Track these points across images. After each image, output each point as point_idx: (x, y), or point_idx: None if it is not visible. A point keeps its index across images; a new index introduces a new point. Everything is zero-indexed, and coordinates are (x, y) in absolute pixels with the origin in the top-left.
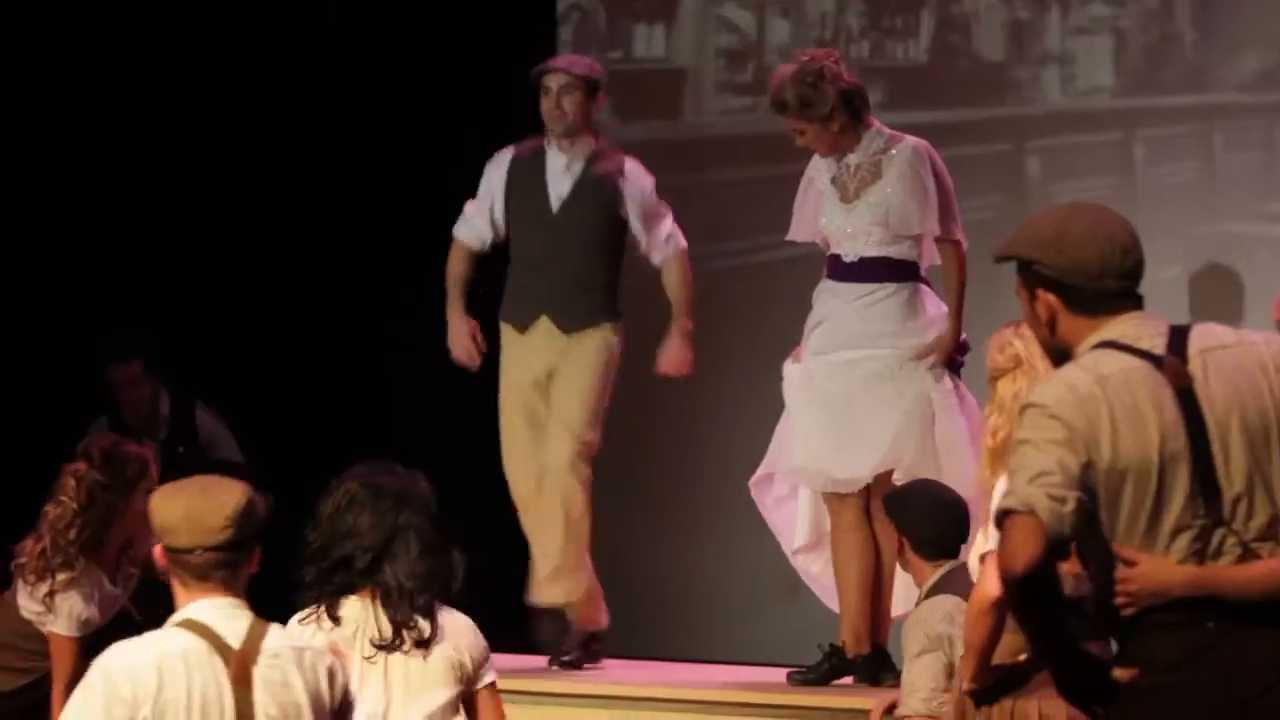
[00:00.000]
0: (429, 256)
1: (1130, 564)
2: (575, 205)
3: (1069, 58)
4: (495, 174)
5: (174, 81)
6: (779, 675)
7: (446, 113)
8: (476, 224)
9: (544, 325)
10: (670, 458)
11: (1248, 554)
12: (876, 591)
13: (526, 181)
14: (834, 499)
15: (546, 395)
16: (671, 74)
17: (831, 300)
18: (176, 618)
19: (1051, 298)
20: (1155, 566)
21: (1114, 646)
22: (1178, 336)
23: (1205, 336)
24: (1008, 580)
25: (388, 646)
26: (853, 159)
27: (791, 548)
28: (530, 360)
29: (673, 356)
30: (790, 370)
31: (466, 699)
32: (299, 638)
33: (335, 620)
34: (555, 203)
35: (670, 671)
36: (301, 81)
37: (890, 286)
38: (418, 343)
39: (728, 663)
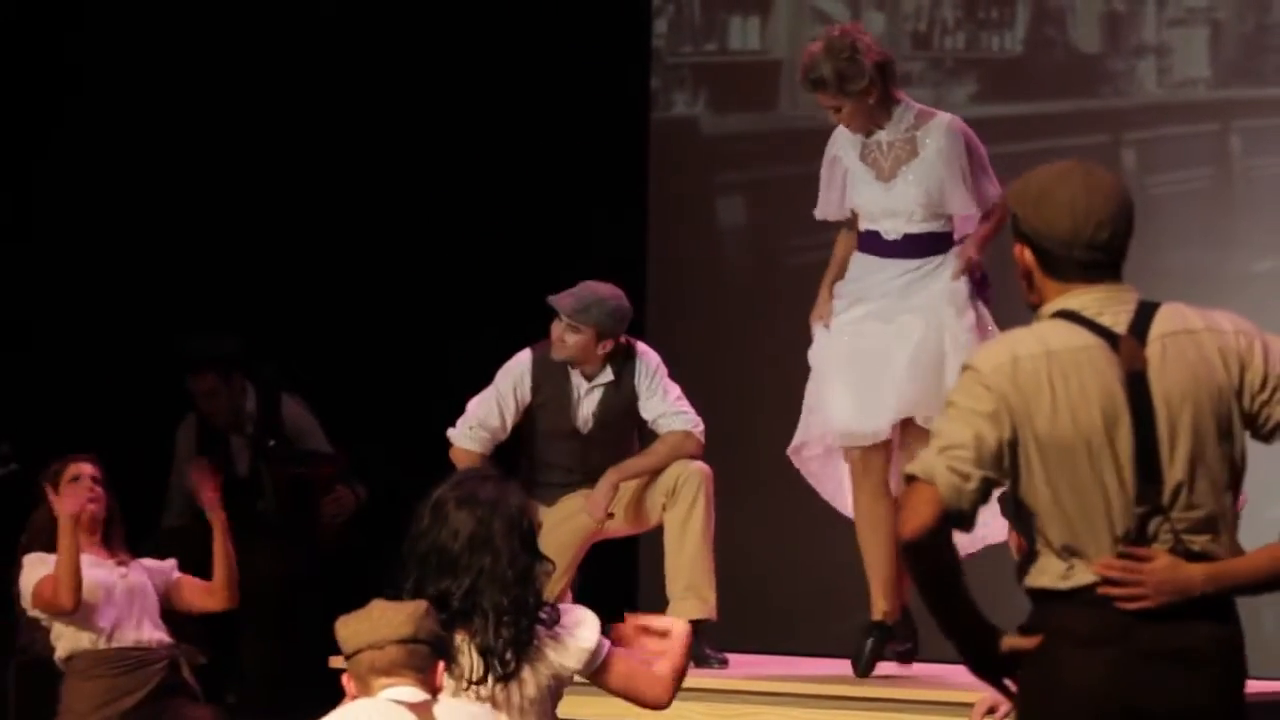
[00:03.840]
0: (520, 249)
1: (1144, 559)
2: (601, 421)
3: (1165, 49)
4: (520, 383)
5: (268, 79)
6: (879, 667)
7: (537, 106)
8: (487, 433)
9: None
10: (770, 452)
11: (1179, 544)
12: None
13: (553, 395)
14: (857, 468)
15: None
16: (766, 66)
17: (874, 275)
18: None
19: (1027, 254)
20: (1171, 564)
21: None
22: (1143, 315)
23: (1171, 319)
24: (899, 544)
25: (478, 682)
26: (883, 136)
27: (848, 508)
28: (574, 514)
29: (593, 499)
30: (820, 333)
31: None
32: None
33: (450, 663)
34: (584, 425)
35: (765, 665)
36: (393, 77)
37: (936, 259)
38: (509, 334)
39: (818, 655)
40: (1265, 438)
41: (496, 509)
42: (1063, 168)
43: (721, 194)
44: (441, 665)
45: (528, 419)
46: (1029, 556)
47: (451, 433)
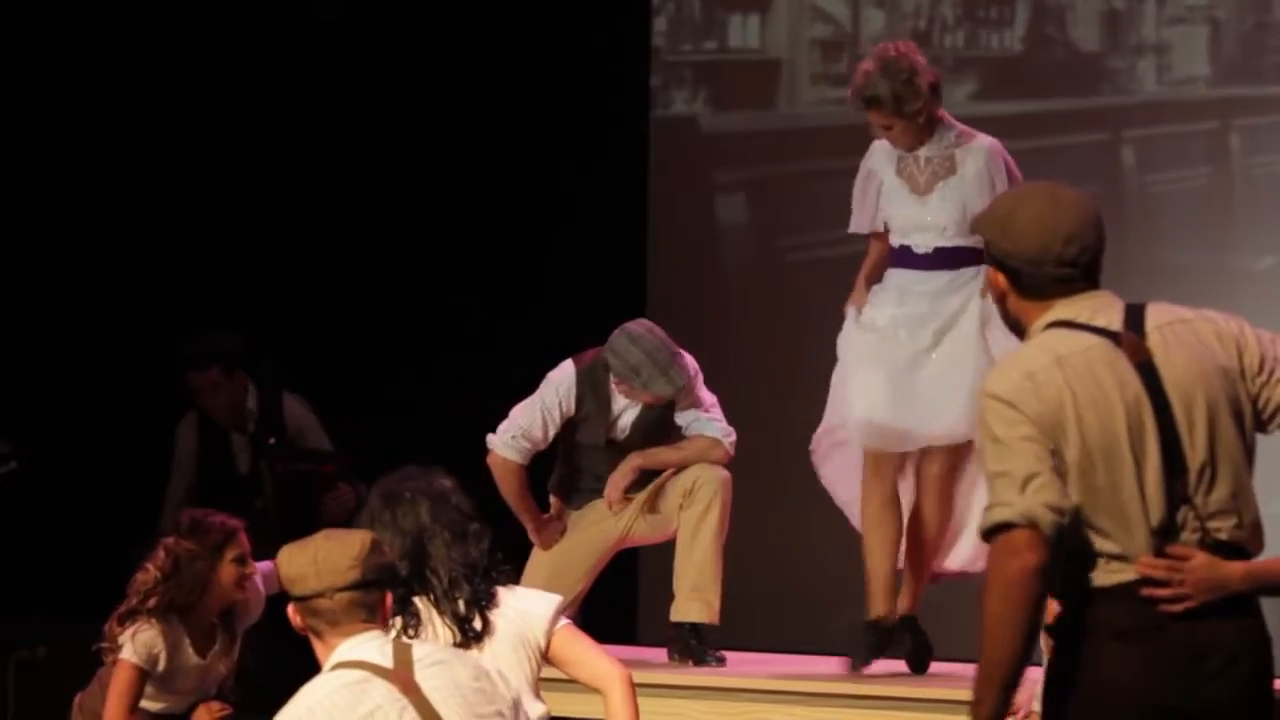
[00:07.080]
0: (520, 247)
1: (1184, 559)
2: (637, 433)
3: (1164, 47)
4: (566, 397)
5: (269, 78)
6: (881, 666)
7: (537, 104)
8: (529, 443)
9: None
10: (772, 450)
11: (1206, 535)
12: (918, 559)
13: (595, 409)
14: (869, 470)
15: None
16: (766, 65)
17: (911, 288)
18: (325, 669)
19: (1000, 277)
20: (1209, 562)
21: None
22: (1134, 314)
23: (1163, 312)
24: (1005, 590)
25: (458, 646)
26: (923, 152)
27: (843, 498)
28: (601, 519)
29: (613, 480)
30: (849, 324)
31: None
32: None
33: (416, 629)
34: (620, 435)
35: (766, 664)
36: (392, 76)
37: (969, 271)
38: (508, 332)
39: (819, 654)
40: (1264, 424)
41: (422, 490)
42: (1028, 189)
43: (721, 192)
44: (389, 595)
45: (566, 429)
46: (1064, 563)
47: (492, 439)
